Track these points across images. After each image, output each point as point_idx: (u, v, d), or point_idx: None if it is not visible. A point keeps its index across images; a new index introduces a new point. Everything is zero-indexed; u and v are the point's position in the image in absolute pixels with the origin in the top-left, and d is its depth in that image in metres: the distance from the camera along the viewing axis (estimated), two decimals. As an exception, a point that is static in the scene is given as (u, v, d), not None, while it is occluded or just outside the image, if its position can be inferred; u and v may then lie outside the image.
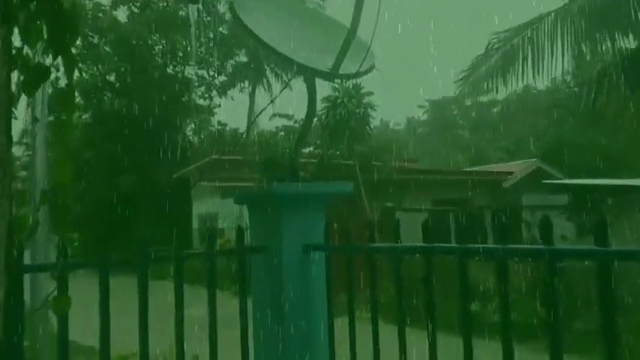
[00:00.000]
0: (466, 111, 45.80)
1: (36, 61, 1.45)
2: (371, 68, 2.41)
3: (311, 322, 2.16)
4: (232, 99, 27.03)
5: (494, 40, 10.25)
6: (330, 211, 2.29)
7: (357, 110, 13.70)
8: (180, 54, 22.91)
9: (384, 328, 1.89)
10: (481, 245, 1.57)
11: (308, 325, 2.15)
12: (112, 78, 22.67)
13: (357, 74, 2.35)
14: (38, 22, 1.44)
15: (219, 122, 26.45)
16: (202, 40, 24.01)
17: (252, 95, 28.37)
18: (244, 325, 1.98)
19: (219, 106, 26.18)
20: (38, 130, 6.02)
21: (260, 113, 26.04)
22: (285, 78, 25.54)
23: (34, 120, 6.05)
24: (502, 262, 1.47)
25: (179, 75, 23.35)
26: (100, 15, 21.78)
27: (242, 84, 27.02)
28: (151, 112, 20.25)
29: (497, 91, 10.50)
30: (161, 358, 4.71)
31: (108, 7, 22.27)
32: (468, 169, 24.15)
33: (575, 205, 12.53)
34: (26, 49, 1.47)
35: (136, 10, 22.95)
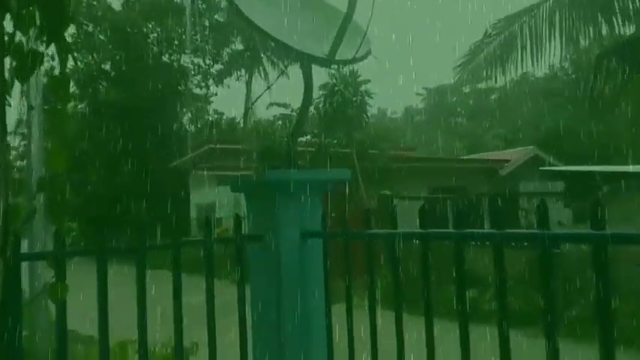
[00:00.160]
0: (464, 98, 45.69)
1: (29, 47, 1.44)
2: (367, 54, 2.39)
3: (308, 309, 2.17)
4: (229, 87, 26.89)
5: (493, 27, 10.20)
6: (327, 199, 2.29)
7: (355, 98, 13.66)
8: (176, 42, 22.73)
9: (381, 314, 1.90)
10: (478, 230, 1.57)
11: (305, 312, 2.16)
12: (107, 67, 22.51)
13: (354, 60, 2.34)
14: (31, 8, 1.43)
15: (215, 111, 26.37)
16: (198, 27, 23.81)
17: (248, 84, 28.22)
18: (242, 313, 1.99)
19: (216, 94, 26.08)
20: (33, 118, 5.98)
21: (256, 100, 25.91)
22: (281, 66, 25.39)
23: (30, 108, 6.02)
24: (498, 247, 1.47)
25: (175, 63, 23.20)
26: (95, 3, 21.56)
27: (238, 72, 26.86)
28: (147, 100, 20.15)
29: (496, 81, 10.48)
30: (159, 344, 4.74)
31: (102, -5, 22.05)
32: (465, 157, 24.16)
33: (571, 191, 12.57)
34: (19, 36, 1.45)
35: (130, -2, 22.74)
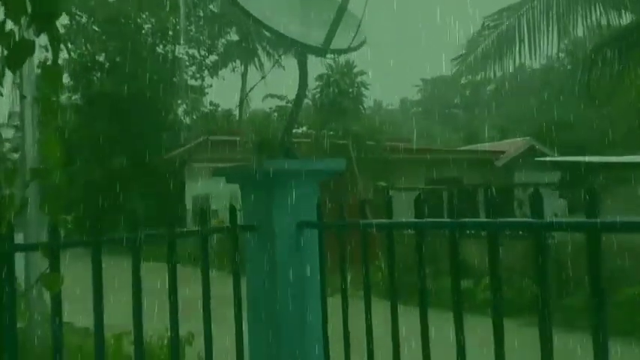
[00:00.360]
0: (460, 90, 45.68)
1: (20, 36, 1.42)
2: (362, 43, 2.38)
3: (304, 299, 2.17)
4: (224, 79, 26.75)
5: (491, 18, 10.17)
6: (323, 190, 2.29)
7: (350, 90, 13.63)
8: (170, 33, 22.57)
9: (377, 304, 1.90)
10: (473, 219, 1.57)
11: (301, 303, 2.16)
12: (101, 58, 22.34)
13: (349, 49, 2.32)
14: (21, -4, 1.41)
15: (211, 103, 26.23)
16: (192, 18, 23.63)
17: (244, 75, 28.08)
18: (238, 303, 1.99)
19: (211, 86, 25.93)
20: (25, 109, 5.94)
21: (251, 89, 25.82)
22: (277, 57, 25.26)
23: (22, 97, 5.98)
24: (493, 235, 1.48)
25: (169, 54, 23.04)
26: (88, -7, 21.35)
27: (233, 63, 26.72)
28: (142, 92, 20.02)
29: (494, 74, 10.46)
30: (155, 336, 4.75)
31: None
32: (461, 148, 24.19)
33: (567, 182, 12.62)
34: (10, 25, 1.43)
35: (124, -12, 22.49)
